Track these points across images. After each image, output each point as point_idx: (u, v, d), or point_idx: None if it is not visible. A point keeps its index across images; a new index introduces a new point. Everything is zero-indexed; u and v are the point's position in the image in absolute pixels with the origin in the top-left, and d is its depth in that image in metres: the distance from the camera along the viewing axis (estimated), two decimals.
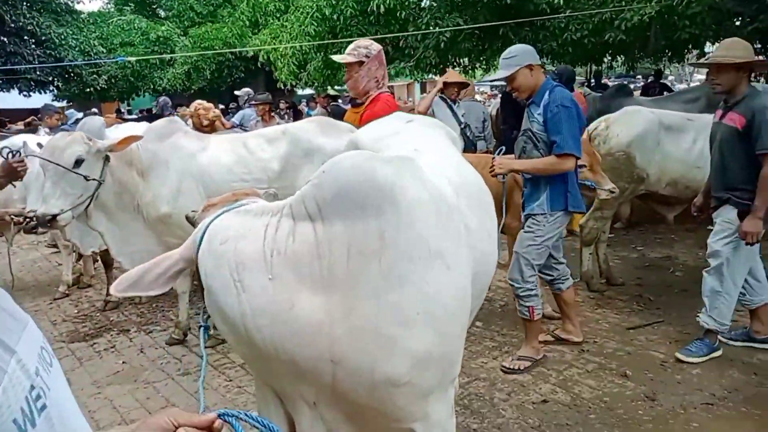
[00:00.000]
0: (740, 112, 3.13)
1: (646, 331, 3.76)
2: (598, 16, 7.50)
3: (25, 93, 16.53)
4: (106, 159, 3.42)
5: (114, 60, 15.83)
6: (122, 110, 18.33)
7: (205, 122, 6.35)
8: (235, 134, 5.29)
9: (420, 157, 1.70)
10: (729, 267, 3.22)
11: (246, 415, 1.02)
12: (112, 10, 20.12)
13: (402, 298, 1.37)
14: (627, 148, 4.29)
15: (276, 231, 1.42)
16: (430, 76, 12.21)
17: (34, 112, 13.17)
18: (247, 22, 15.56)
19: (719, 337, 3.38)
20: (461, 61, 10.17)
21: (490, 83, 21.92)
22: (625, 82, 10.53)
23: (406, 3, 8.78)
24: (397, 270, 1.36)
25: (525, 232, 3.30)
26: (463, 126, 5.21)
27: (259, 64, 12.77)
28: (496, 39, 8.62)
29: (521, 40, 7.63)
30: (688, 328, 3.70)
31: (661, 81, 12.24)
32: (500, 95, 9.04)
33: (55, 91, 17.49)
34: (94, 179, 3.36)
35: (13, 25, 14.70)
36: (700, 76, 24.24)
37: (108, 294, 4.91)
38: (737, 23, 7.44)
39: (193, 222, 1.68)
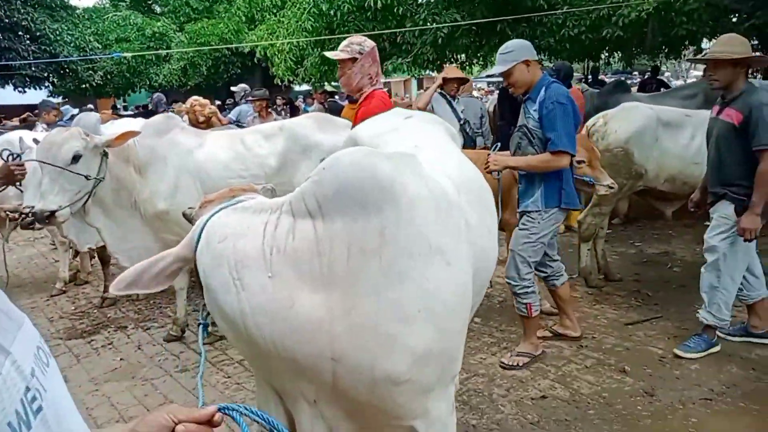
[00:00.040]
0: (737, 108, 3.13)
1: (644, 327, 3.76)
2: (596, 12, 7.50)
3: (20, 89, 16.46)
4: (105, 155, 3.40)
5: (109, 56, 15.76)
6: (118, 106, 18.24)
7: (201, 119, 6.32)
8: (233, 130, 5.27)
9: (420, 154, 1.69)
10: (726, 262, 3.22)
11: (246, 408, 1.01)
12: (108, 5, 20.01)
13: (402, 294, 1.36)
14: (625, 144, 4.29)
15: (275, 228, 1.41)
16: (427, 72, 12.19)
17: (30, 108, 13.11)
18: (243, 18, 15.52)
19: (717, 332, 3.38)
20: (458, 57, 10.16)
21: (487, 79, 21.90)
22: (623, 78, 10.53)
23: None
24: (397, 267, 1.36)
25: (520, 229, 3.29)
26: (462, 122, 5.19)
27: (256, 60, 12.75)
28: (494, 35, 8.61)
29: (519, 36, 7.62)
30: (687, 323, 3.71)
31: (658, 77, 12.25)
32: (498, 91, 9.04)
33: (51, 87, 17.42)
34: (95, 178, 3.34)
35: (7, 21, 14.62)
36: (697, 72, 24.22)
37: (105, 291, 4.89)
38: (734, 20, 7.45)
39: (190, 219, 1.67)
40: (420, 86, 25.73)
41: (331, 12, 9.19)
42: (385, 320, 1.35)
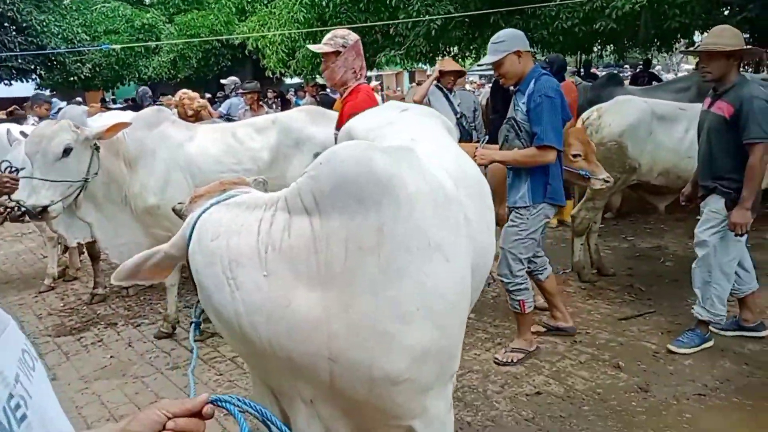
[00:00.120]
0: (729, 100, 3.11)
1: (637, 322, 3.76)
2: (589, 4, 7.48)
3: (6, 81, 16.21)
4: (96, 148, 3.34)
5: (98, 48, 15.55)
6: (107, 99, 18.03)
7: (190, 112, 6.24)
8: (223, 123, 5.21)
9: (418, 147, 1.66)
10: (716, 257, 3.22)
11: (239, 400, 1.00)
12: None
13: (401, 292, 1.33)
14: (619, 137, 4.28)
15: (270, 226, 1.37)
16: (420, 65, 12.13)
17: (16, 101, 12.93)
18: (234, 9, 15.37)
19: (710, 327, 3.39)
20: (451, 49, 10.11)
21: (479, 72, 21.85)
22: (616, 71, 10.53)
23: None
24: (395, 264, 1.33)
25: (509, 226, 3.26)
26: (459, 116, 5.15)
27: (247, 52, 12.64)
28: (487, 27, 8.56)
29: (512, 28, 7.57)
30: (680, 318, 3.72)
31: (650, 71, 12.26)
32: (491, 84, 9.01)
33: (38, 79, 17.17)
34: (88, 176, 3.29)
35: None
36: (688, 66, 24.37)
37: (95, 287, 4.83)
38: (726, 13, 7.45)
39: (180, 214, 1.63)
40: (412, 79, 25.64)
41: (323, 3, 9.12)
42: (383, 318, 1.32)
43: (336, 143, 3.16)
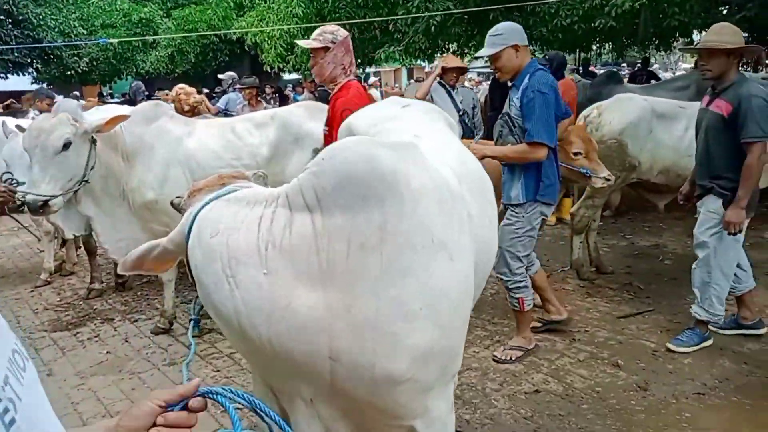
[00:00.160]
0: (727, 99, 3.09)
1: (636, 320, 3.76)
2: (589, 2, 7.46)
3: (2, 75, 16.09)
4: (93, 142, 3.31)
5: (95, 42, 15.45)
6: (104, 94, 17.94)
7: (187, 107, 6.18)
8: (222, 119, 5.18)
9: (421, 144, 1.63)
10: (716, 257, 3.21)
11: (231, 392, 0.98)
12: None
13: (404, 291, 1.31)
14: (619, 135, 4.26)
15: (271, 223, 1.35)
16: (419, 61, 12.10)
17: (12, 94, 12.84)
18: (232, 4, 15.29)
19: (709, 326, 3.38)
20: (450, 46, 10.08)
21: (477, 69, 21.82)
22: (615, 70, 10.53)
23: None
24: (399, 262, 1.31)
25: (505, 225, 3.23)
26: (461, 113, 5.12)
27: (246, 47, 12.56)
28: (486, 24, 8.51)
29: None
30: (679, 316, 3.72)
31: (648, 69, 12.26)
32: (489, 81, 8.99)
33: (34, 73, 17.05)
34: (91, 168, 3.26)
35: None
36: (686, 65, 24.39)
37: (92, 282, 4.80)
38: (724, 12, 7.45)
39: (178, 208, 1.61)
40: (410, 76, 25.59)
41: None
42: (385, 318, 1.30)
43: (324, 139, 3.16)
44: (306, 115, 3.98)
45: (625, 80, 10.27)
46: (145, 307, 4.49)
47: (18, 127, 4.05)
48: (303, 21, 9.52)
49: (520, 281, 3.24)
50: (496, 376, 3.15)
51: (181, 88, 6.55)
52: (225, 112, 7.25)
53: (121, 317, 4.31)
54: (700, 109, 3.37)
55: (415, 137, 1.78)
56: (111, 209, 3.54)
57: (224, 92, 8.59)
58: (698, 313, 3.30)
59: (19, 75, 16.45)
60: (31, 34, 14.97)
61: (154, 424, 0.86)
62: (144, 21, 17.07)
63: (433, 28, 8.47)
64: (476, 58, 5.12)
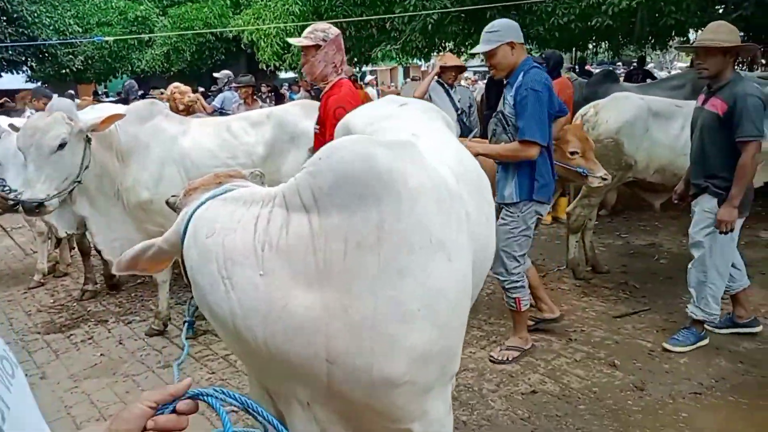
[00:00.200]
0: (723, 98, 3.08)
1: (632, 320, 3.75)
2: (586, 0, 7.45)
3: None
4: (88, 140, 3.28)
5: (90, 39, 15.36)
6: (99, 92, 17.86)
7: (181, 107, 6.14)
8: (217, 117, 5.16)
9: (419, 142, 1.62)
10: (712, 257, 3.20)
11: (222, 392, 0.97)
12: None
13: (402, 292, 1.30)
14: (616, 134, 4.25)
15: (268, 223, 1.33)
16: (415, 60, 12.07)
17: (6, 93, 12.76)
18: (228, 2, 15.23)
19: (705, 325, 3.37)
20: (447, 44, 10.07)
21: (473, 69, 21.82)
22: (611, 68, 10.53)
23: None
24: (396, 262, 1.29)
25: (501, 225, 3.19)
26: (459, 112, 5.10)
27: (242, 46, 12.52)
28: (483, 22, 8.47)
29: None
30: (675, 316, 3.71)
31: (644, 68, 12.26)
32: (485, 80, 8.98)
33: (29, 71, 16.96)
34: (85, 167, 3.24)
35: None
36: (681, 64, 24.45)
37: (85, 283, 4.77)
38: (720, 11, 7.46)
39: (174, 207, 1.59)
40: (407, 75, 25.56)
41: None
42: (383, 319, 1.29)
43: (314, 138, 3.14)
44: (302, 113, 3.95)
45: (621, 79, 10.29)
46: (140, 308, 4.46)
47: (11, 125, 4.01)
48: (299, 19, 9.49)
49: (517, 281, 3.23)
50: (493, 376, 3.14)
51: (176, 87, 6.52)
52: (221, 111, 7.22)
53: (115, 319, 4.28)
54: (695, 108, 3.36)
55: (413, 136, 1.77)
56: (106, 209, 3.52)
57: (220, 91, 8.56)
58: (694, 312, 3.30)
59: (13, 73, 16.36)
60: (26, 31, 14.89)
61: (145, 428, 0.86)
62: (140, 19, 16.99)
63: (430, 26, 8.46)
64: (472, 55, 5.11)
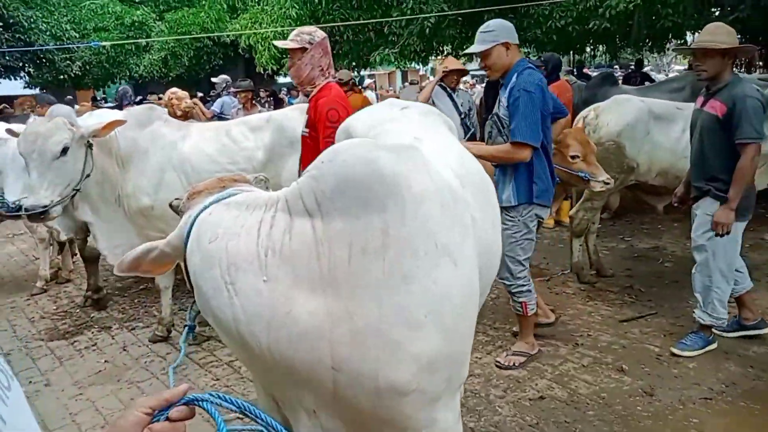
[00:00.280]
0: (722, 99, 3.06)
1: (639, 324, 3.72)
2: (583, 3, 7.47)
3: None
4: (90, 146, 3.26)
5: (87, 44, 15.34)
6: (98, 98, 17.82)
7: (179, 113, 6.07)
8: (216, 122, 5.14)
9: (422, 146, 1.60)
10: (716, 260, 3.17)
11: (219, 397, 0.96)
12: None
13: (408, 298, 1.27)
14: (617, 137, 4.24)
15: (271, 228, 1.31)
16: (413, 64, 12.08)
17: (5, 99, 12.73)
18: (225, 6, 15.23)
19: (713, 329, 3.36)
20: (445, 48, 10.08)
21: (473, 72, 21.81)
22: (610, 71, 10.56)
23: None
24: (402, 268, 1.27)
25: (502, 230, 3.17)
26: (463, 116, 5.09)
27: (240, 50, 12.51)
28: (480, 26, 8.54)
29: None
30: (682, 320, 3.69)
31: (642, 71, 12.29)
32: (485, 83, 8.98)
33: (27, 78, 16.92)
34: (87, 174, 3.22)
35: None
36: (678, 66, 24.53)
37: (88, 289, 4.74)
38: (717, 13, 7.48)
39: (177, 210, 1.58)
40: (405, 79, 25.58)
41: (316, 0, 9.04)
42: (389, 326, 1.26)
43: (302, 142, 3.13)
44: (301, 118, 3.93)
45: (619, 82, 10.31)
46: (143, 314, 4.43)
47: (9, 131, 3.98)
48: (297, 23, 9.48)
49: (524, 285, 3.20)
50: (500, 382, 3.11)
51: (173, 92, 6.48)
52: (220, 116, 7.20)
53: (119, 325, 4.25)
54: (694, 110, 3.33)
55: (416, 140, 1.75)
56: (107, 215, 3.49)
57: (218, 96, 8.55)
58: (701, 317, 3.27)
59: (11, 79, 16.33)
60: (23, 37, 14.86)
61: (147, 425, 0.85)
62: (137, 24, 16.99)
63: (427, 30, 8.47)
64: (469, 58, 5.09)
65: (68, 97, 13.27)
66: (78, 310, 4.61)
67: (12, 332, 4.23)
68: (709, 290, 3.23)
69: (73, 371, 3.56)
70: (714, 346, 3.31)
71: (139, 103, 8.74)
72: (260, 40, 10.52)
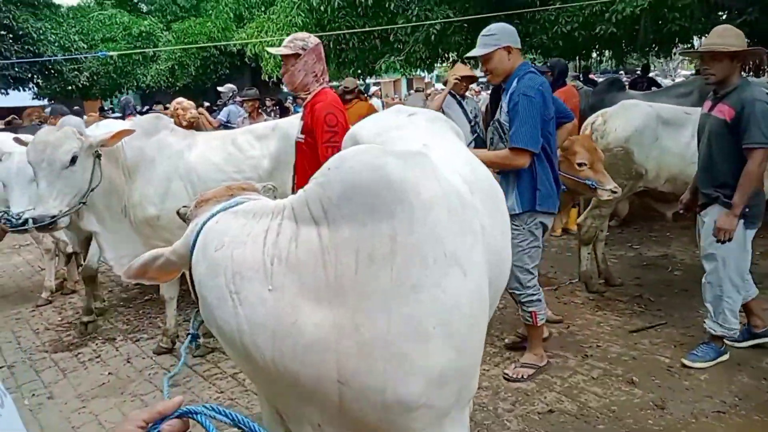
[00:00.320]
0: (730, 103, 3.00)
1: (649, 334, 3.65)
2: (589, 8, 7.45)
3: (3, 91, 16.12)
4: (98, 156, 3.26)
5: (95, 55, 15.48)
6: (105, 108, 17.97)
7: (184, 123, 6.05)
8: (223, 131, 5.13)
9: (431, 153, 1.57)
10: (725, 268, 3.11)
11: (213, 409, 0.94)
12: (92, 4, 19.67)
13: (416, 309, 1.24)
14: (625, 143, 4.19)
15: (277, 236, 1.29)
16: (419, 71, 12.09)
17: (14, 110, 12.84)
18: (231, 16, 15.35)
19: (725, 340, 3.29)
20: (450, 55, 10.07)
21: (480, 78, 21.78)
22: (617, 76, 10.50)
23: None
24: (410, 277, 1.24)
25: None
26: (473, 123, 5.05)
27: (246, 60, 12.58)
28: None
29: None
30: (692, 330, 3.62)
31: (649, 76, 12.22)
32: (490, 90, 8.95)
33: (35, 88, 17.09)
34: (96, 185, 3.22)
35: None
36: (685, 71, 24.43)
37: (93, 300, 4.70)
38: (723, 17, 7.43)
39: (184, 218, 1.57)
40: (410, 86, 25.64)
41: (322, 8, 9.07)
42: (397, 338, 1.23)
43: (297, 148, 3.11)
44: None
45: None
46: (147, 326, 4.40)
47: (17, 139, 3.98)
48: (303, 31, 9.53)
49: (533, 294, 3.15)
50: (508, 395, 3.05)
51: (179, 102, 6.45)
52: (226, 125, 7.21)
53: (123, 337, 4.23)
54: (701, 115, 3.27)
55: (424, 146, 1.73)
56: (113, 225, 3.48)
57: (225, 105, 8.58)
58: (713, 328, 3.20)
59: (19, 90, 16.49)
60: (32, 48, 15.03)
61: None
62: (144, 34, 17.15)
63: (433, 37, 8.48)
64: (468, 58, 5.04)
65: (76, 107, 13.37)
66: None
67: (16, 344, 4.22)
68: (720, 300, 3.16)
69: (76, 383, 3.53)
70: (726, 357, 3.24)
71: (145, 113, 8.78)
72: (266, 49, 10.57)
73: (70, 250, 5.02)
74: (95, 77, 17.30)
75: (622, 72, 20.98)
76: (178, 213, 1.66)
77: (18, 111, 12.37)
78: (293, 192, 3.11)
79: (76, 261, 5.41)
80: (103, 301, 4.77)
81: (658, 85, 10.49)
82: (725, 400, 2.88)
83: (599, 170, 3.62)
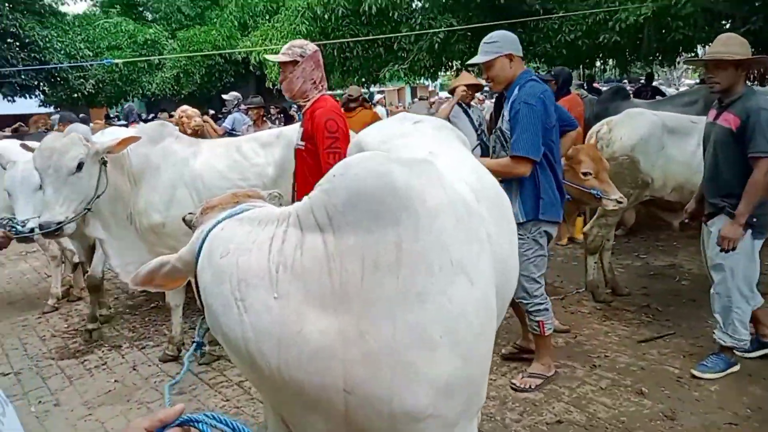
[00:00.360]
0: (735, 112, 2.97)
1: (657, 344, 3.61)
2: (592, 17, 7.47)
3: (9, 98, 16.22)
4: (104, 163, 3.27)
5: (100, 62, 15.57)
6: (111, 116, 18.05)
7: (189, 131, 6.06)
8: (227, 138, 5.15)
9: (437, 160, 1.57)
10: (734, 278, 3.07)
11: (213, 417, 0.94)
12: (98, 12, 19.83)
13: (422, 317, 1.23)
14: (631, 151, 4.17)
15: (282, 243, 1.29)
16: (422, 80, 12.12)
17: (20, 117, 12.90)
18: (236, 23, 15.44)
19: (735, 351, 3.26)
20: (454, 63, 10.11)
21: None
22: (621, 85, 10.51)
23: (399, 3, 8.68)
24: (416, 285, 1.23)
25: None
26: (479, 132, 5.05)
27: (251, 68, 12.64)
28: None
29: None
30: (701, 340, 3.58)
31: (653, 85, 12.22)
32: (494, 98, 8.97)
33: (41, 96, 17.19)
34: (101, 192, 3.23)
35: None
36: (689, 80, 24.44)
37: (99, 307, 4.70)
38: (727, 26, 7.44)
39: (190, 225, 1.56)
40: (414, 95, 25.71)
41: (326, 16, 9.12)
42: (403, 346, 1.22)
43: (296, 155, 3.11)
44: None
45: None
46: (153, 333, 4.39)
47: (23, 145, 4.00)
48: (307, 38, 9.58)
49: (541, 303, 3.12)
50: (516, 405, 3.02)
51: (183, 110, 6.48)
52: (231, 132, 7.24)
53: (129, 344, 4.22)
54: (707, 123, 3.24)
55: (430, 154, 1.72)
56: (119, 232, 3.48)
57: (229, 113, 8.62)
58: (722, 339, 3.15)
59: (26, 98, 16.60)
60: (38, 56, 15.13)
61: None
62: (149, 42, 17.27)
63: (436, 45, 8.51)
64: (470, 65, 5.03)
65: (82, 115, 13.45)
66: None
67: (23, 351, 4.21)
68: (729, 311, 3.13)
69: (82, 390, 3.52)
70: (737, 368, 3.19)
71: (150, 120, 8.82)
72: (265, 56, 10.64)
73: (76, 260, 5.02)
74: (101, 85, 17.41)
75: (626, 81, 21.00)
76: (183, 220, 1.66)
77: (24, 118, 12.44)
78: (293, 199, 3.11)
79: (82, 269, 5.42)
80: (109, 309, 4.77)
81: (663, 94, 10.48)
82: (737, 411, 2.83)
83: (604, 180, 3.61)
